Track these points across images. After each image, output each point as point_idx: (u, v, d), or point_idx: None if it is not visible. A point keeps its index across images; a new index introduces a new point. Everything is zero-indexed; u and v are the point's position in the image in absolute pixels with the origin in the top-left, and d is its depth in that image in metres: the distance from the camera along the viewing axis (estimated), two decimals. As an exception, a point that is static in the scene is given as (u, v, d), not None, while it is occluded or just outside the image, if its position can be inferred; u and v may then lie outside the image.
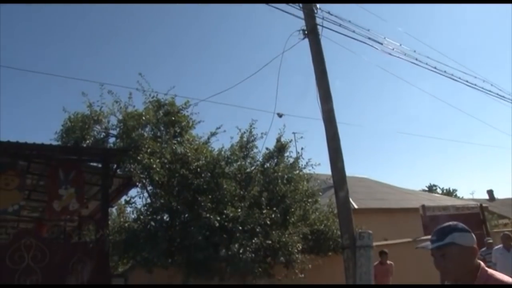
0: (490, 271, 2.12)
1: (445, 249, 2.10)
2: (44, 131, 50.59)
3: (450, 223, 2.20)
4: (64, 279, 7.31)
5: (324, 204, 10.11)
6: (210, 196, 7.32)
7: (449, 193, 46.08)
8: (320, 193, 10.03)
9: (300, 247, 8.04)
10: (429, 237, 2.15)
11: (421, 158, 75.32)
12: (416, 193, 21.70)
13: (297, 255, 7.93)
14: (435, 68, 9.83)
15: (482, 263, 2.14)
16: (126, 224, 7.77)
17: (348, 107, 62.15)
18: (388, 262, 9.08)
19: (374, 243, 7.76)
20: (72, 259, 7.52)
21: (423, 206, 13.46)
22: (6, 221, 10.15)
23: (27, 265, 7.13)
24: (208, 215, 6.92)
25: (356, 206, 13.37)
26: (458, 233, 2.11)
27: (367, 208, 14.82)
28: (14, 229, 12.05)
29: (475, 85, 10.90)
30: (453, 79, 10.24)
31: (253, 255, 7.03)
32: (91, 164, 9.21)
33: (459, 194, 46.05)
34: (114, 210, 11.76)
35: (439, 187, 49.02)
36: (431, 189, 46.31)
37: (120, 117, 9.37)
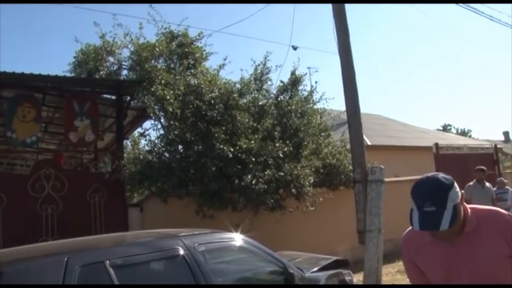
0: (470, 206, 1.97)
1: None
2: (56, 63, 50.31)
3: (431, 178, 1.88)
4: (82, 208, 7.54)
5: (337, 140, 10.12)
6: (223, 128, 7.35)
7: (464, 133, 45.77)
8: (333, 127, 10.02)
9: (312, 180, 8.14)
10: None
11: (437, 97, 74.35)
12: (430, 132, 21.55)
13: (308, 188, 8.04)
14: (458, -1, 9.45)
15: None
16: (141, 156, 7.90)
17: (364, 42, 60.73)
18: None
19: (385, 179, 7.82)
20: (89, 189, 7.70)
21: (436, 144, 13.39)
22: (25, 152, 10.36)
23: (47, 194, 7.35)
24: (221, 146, 6.97)
25: (369, 143, 13.36)
26: (451, 191, 1.82)
27: (380, 145, 14.80)
28: (34, 161, 12.33)
29: (499, 20, 10.51)
30: (477, 12, 9.87)
31: (265, 186, 7.15)
32: (105, 96, 9.23)
33: (474, 135, 45.73)
34: (128, 143, 11.93)
35: (454, 127, 48.70)
36: (446, 128, 46.01)
37: (132, 49, 9.28)
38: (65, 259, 2.68)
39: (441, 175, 1.89)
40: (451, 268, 1.98)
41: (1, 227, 6.88)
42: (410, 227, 2.00)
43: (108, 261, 2.82)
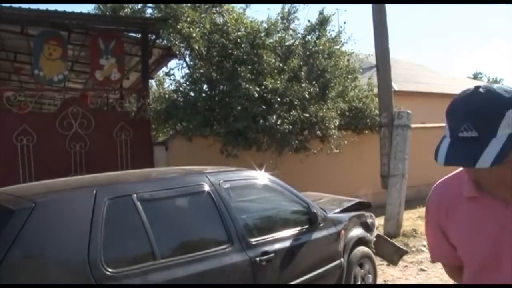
0: None
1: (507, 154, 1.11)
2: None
3: (482, 89, 1.16)
4: (108, 145, 7.68)
5: (364, 84, 9.93)
6: (249, 67, 7.23)
7: (496, 82, 44.38)
8: (361, 70, 9.80)
9: (337, 122, 8.08)
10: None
11: (468, 45, 71.58)
12: (459, 80, 20.94)
13: (333, 130, 7.99)
14: None
15: None
16: (166, 95, 7.90)
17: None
18: None
19: (412, 125, 7.69)
20: (115, 127, 7.81)
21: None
22: (52, 91, 10.47)
23: (75, 132, 7.48)
24: (247, 85, 6.88)
25: (396, 88, 13.04)
26: (510, 110, 1.11)
27: (407, 91, 14.49)
28: (61, 100, 12.49)
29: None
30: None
31: (290, 127, 7.11)
32: (130, 34, 9.13)
33: (506, 84, 44.26)
34: (153, 82, 11.92)
35: (485, 76, 47.20)
36: (477, 77, 44.65)
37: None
38: (94, 192, 2.73)
39: (497, 85, 1.18)
40: (501, 242, 1.27)
41: (33, 163, 7.09)
42: (442, 178, 1.46)
43: (135, 195, 2.87)
